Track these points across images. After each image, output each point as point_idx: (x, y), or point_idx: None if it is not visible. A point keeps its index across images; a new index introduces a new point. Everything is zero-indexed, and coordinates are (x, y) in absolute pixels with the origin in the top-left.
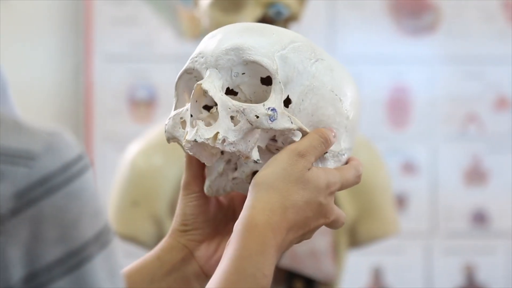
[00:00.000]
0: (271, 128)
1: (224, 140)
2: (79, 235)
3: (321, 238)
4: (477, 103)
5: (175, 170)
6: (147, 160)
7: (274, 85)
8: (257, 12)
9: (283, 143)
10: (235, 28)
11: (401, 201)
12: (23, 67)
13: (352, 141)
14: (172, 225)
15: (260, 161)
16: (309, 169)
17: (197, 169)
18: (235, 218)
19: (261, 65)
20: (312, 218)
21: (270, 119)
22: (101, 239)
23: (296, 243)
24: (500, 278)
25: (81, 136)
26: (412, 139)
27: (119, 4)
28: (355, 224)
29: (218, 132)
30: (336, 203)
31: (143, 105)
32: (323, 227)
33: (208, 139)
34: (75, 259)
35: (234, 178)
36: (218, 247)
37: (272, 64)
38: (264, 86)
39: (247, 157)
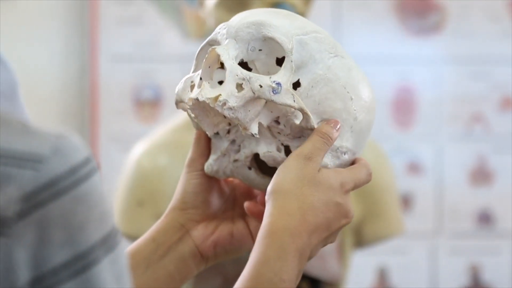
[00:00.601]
0: (272, 101)
1: (224, 104)
2: (86, 238)
3: None
4: (482, 103)
5: (180, 170)
6: (152, 160)
7: (286, 63)
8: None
9: (285, 126)
10: (263, 9)
11: (406, 201)
12: (28, 67)
13: (358, 144)
14: (171, 203)
15: (258, 136)
16: (319, 171)
17: (204, 148)
18: (235, 207)
19: (277, 42)
20: (333, 219)
21: (273, 91)
22: (108, 242)
23: (322, 247)
24: (505, 278)
25: (87, 136)
26: (418, 139)
27: (124, 4)
28: (360, 224)
29: (220, 94)
30: None
31: (148, 105)
32: None
33: (209, 98)
34: (82, 262)
35: (235, 161)
36: (215, 230)
37: (288, 43)
38: (279, 68)
39: (245, 128)
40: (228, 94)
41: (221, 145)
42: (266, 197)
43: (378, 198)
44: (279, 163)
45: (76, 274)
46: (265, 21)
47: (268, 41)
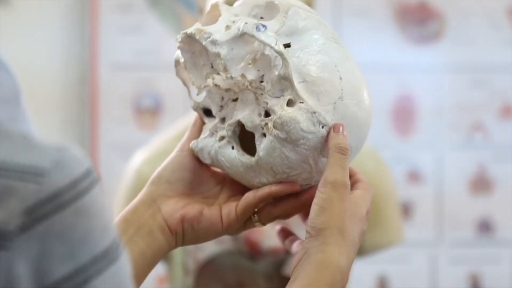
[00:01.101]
0: (252, 36)
1: (209, 36)
2: (88, 251)
3: None
4: (482, 112)
5: None
6: (152, 168)
7: (279, 17)
8: None
9: (267, 82)
10: None
11: (406, 210)
12: (28, 74)
13: (337, 121)
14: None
15: (234, 78)
16: (351, 198)
17: (198, 132)
18: (217, 196)
19: (276, 5)
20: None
21: (256, 28)
22: (109, 254)
23: None
24: (505, 286)
25: (87, 144)
26: (418, 148)
27: (124, 13)
28: None
29: (206, 28)
30: None
31: (148, 113)
32: None
33: (196, 29)
34: (84, 275)
35: (221, 138)
36: (185, 206)
37: (285, 7)
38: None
39: (225, 68)
40: (215, 30)
41: (210, 124)
42: (314, 232)
43: (379, 206)
44: (256, 126)
45: (78, 287)
46: None
47: (269, 6)
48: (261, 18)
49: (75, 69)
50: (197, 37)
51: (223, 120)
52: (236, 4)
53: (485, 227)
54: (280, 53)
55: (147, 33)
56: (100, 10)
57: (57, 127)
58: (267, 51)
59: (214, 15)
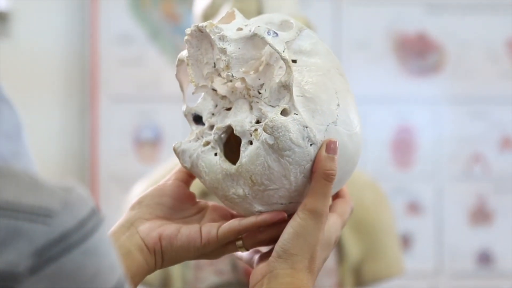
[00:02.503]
0: (263, 38)
1: (219, 31)
2: None
3: (327, 279)
4: (482, 143)
5: None
6: None
7: (292, 30)
8: None
9: (265, 91)
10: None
11: (406, 241)
12: (29, 108)
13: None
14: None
15: (234, 78)
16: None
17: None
18: (200, 222)
19: (291, 23)
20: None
21: (267, 33)
22: None
23: None
24: None
25: (87, 175)
26: (417, 179)
27: (124, 45)
28: (360, 264)
29: (218, 24)
30: (341, 243)
31: (148, 145)
32: (329, 268)
33: (209, 23)
34: None
35: (206, 144)
36: (163, 225)
37: (299, 27)
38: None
39: (228, 66)
40: (226, 28)
41: (200, 127)
42: (283, 254)
43: (378, 238)
44: (245, 132)
45: None
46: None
47: (284, 26)
48: (275, 34)
49: (76, 100)
50: (208, 30)
51: (211, 127)
52: (251, 20)
53: (485, 258)
54: (285, 60)
55: (147, 65)
56: (100, 42)
57: (58, 159)
58: (272, 62)
59: (228, 22)
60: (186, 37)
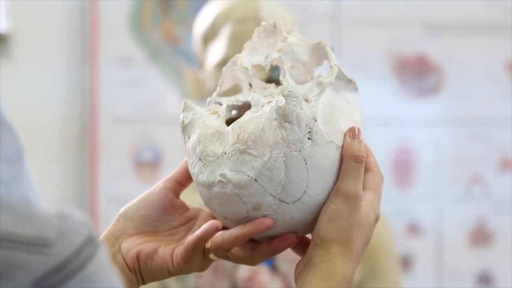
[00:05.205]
0: (324, 46)
1: (289, 32)
2: None
3: None
4: (482, 164)
5: None
6: None
7: (332, 60)
8: (262, 75)
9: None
10: None
11: (406, 262)
12: (29, 127)
13: (324, 154)
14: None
15: (275, 60)
16: (362, 207)
17: (180, 177)
18: (188, 233)
19: (326, 52)
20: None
21: (331, 47)
22: None
23: None
24: None
25: (87, 196)
26: (417, 200)
27: (124, 66)
28: (360, 285)
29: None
30: None
31: (148, 166)
32: None
33: (284, 22)
34: None
35: (214, 113)
36: (142, 243)
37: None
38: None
39: (280, 50)
40: (295, 34)
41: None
42: (319, 241)
43: (378, 259)
44: (259, 100)
45: None
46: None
47: (315, 47)
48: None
49: (75, 121)
50: (282, 27)
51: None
52: None
53: (485, 279)
54: (333, 68)
55: (147, 86)
56: (100, 63)
57: (57, 180)
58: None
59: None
60: (259, 27)
